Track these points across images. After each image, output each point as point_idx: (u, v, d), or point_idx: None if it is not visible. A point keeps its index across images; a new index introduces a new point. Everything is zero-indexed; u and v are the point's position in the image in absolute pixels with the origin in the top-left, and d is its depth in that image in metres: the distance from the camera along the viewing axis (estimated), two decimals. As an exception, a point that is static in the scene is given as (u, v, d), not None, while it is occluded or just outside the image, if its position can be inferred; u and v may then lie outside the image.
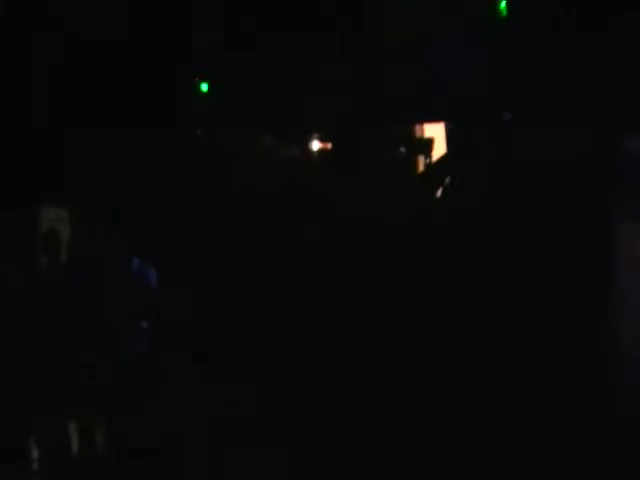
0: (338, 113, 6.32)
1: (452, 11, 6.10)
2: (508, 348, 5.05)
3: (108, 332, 5.57)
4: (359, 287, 5.93)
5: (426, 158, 6.42)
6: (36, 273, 5.85)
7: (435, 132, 6.46)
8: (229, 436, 5.22)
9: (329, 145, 6.51)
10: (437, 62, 6.13)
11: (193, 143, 6.35)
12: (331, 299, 5.89)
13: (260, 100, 6.35)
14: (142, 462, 5.09)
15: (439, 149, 6.43)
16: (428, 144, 6.42)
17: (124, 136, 6.21)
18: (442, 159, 6.42)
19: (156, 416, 5.21)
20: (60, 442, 5.67)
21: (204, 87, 6.37)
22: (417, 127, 6.57)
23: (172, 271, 5.92)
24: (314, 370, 5.42)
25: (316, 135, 6.52)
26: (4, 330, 5.56)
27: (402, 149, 6.47)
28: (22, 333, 5.58)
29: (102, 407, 5.55)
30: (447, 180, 6.48)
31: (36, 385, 5.56)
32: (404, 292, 5.84)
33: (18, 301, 5.64)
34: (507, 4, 5.79)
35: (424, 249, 6.02)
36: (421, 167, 6.48)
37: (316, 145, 6.54)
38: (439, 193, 6.44)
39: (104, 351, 5.54)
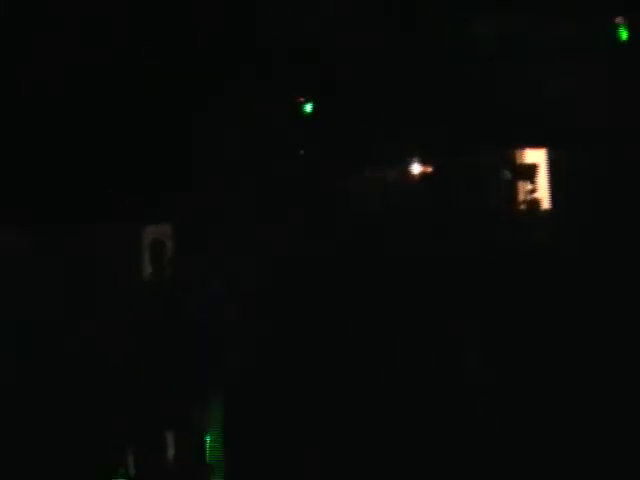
0: (438, 138, 6.24)
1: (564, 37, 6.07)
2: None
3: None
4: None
5: (531, 183, 6.35)
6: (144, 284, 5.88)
7: (539, 158, 6.41)
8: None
9: (429, 170, 6.41)
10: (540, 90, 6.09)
11: (298, 165, 6.23)
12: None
13: (361, 123, 6.26)
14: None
15: (542, 175, 6.38)
16: (533, 170, 6.35)
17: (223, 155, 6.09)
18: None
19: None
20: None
21: (308, 108, 6.26)
22: (521, 152, 6.49)
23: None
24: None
25: (417, 160, 6.43)
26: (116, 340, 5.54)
27: (507, 174, 6.38)
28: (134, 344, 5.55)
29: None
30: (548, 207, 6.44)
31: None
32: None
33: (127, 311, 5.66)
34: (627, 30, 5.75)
35: (531, 276, 5.96)
36: (526, 193, 6.40)
37: (417, 170, 6.44)
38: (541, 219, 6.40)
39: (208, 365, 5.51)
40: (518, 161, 6.42)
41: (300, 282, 5.83)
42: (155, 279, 5.91)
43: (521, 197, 6.39)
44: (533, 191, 6.36)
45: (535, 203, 6.32)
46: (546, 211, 6.35)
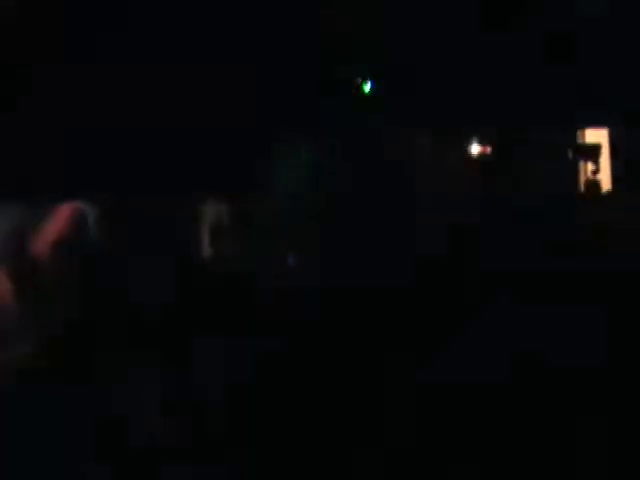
0: (501, 115, 6.10)
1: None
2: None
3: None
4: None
5: (594, 164, 6.21)
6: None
7: (602, 138, 6.27)
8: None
9: (489, 149, 6.27)
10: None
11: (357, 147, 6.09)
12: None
13: (421, 100, 6.10)
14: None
15: (605, 155, 6.25)
16: (596, 150, 6.21)
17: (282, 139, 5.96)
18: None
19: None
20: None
21: (367, 87, 6.10)
22: (584, 132, 6.34)
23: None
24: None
25: (476, 138, 6.28)
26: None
27: (570, 154, 6.25)
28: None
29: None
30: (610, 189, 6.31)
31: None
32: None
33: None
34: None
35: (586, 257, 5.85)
36: (588, 173, 6.27)
37: (476, 149, 6.30)
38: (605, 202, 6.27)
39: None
40: (580, 141, 6.30)
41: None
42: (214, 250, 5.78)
43: (582, 178, 6.27)
44: (595, 172, 6.24)
45: (597, 184, 6.20)
46: (608, 192, 6.22)
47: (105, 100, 5.35)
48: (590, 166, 6.23)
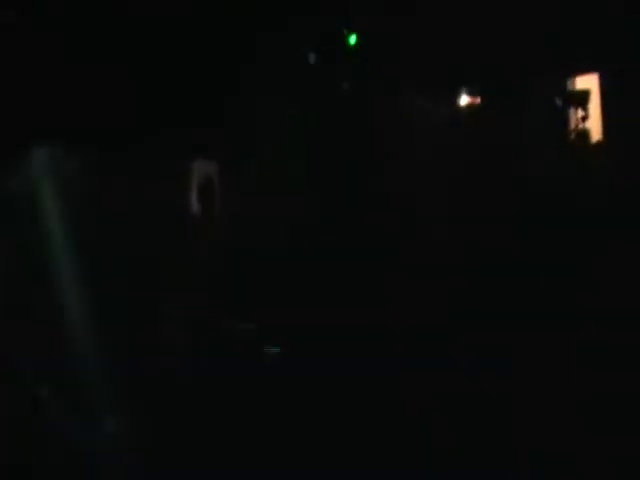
0: (487, 66, 6.02)
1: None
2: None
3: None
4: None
5: (583, 111, 6.14)
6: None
7: (591, 84, 6.19)
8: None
9: (478, 100, 6.20)
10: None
11: (340, 99, 6.01)
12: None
13: (407, 55, 6.02)
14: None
15: (595, 102, 6.18)
16: (584, 96, 6.14)
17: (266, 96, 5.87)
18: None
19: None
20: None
21: (352, 39, 6.01)
22: (575, 79, 6.27)
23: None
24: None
25: (465, 90, 6.20)
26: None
27: (558, 101, 6.17)
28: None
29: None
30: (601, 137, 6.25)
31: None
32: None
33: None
34: None
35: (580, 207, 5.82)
36: (577, 120, 6.20)
37: (464, 100, 6.23)
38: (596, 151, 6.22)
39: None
40: (569, 88, 6.22)
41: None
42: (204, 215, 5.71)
43: (571, 126, 6.21)
44: (584, 119, 6.17)
45: (586, 132, 6.14)
46: (598, 141, 6.16)
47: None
48: (580, 113, 6.16)
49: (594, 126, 6.17)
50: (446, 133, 6.08)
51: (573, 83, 6.27)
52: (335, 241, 5.69)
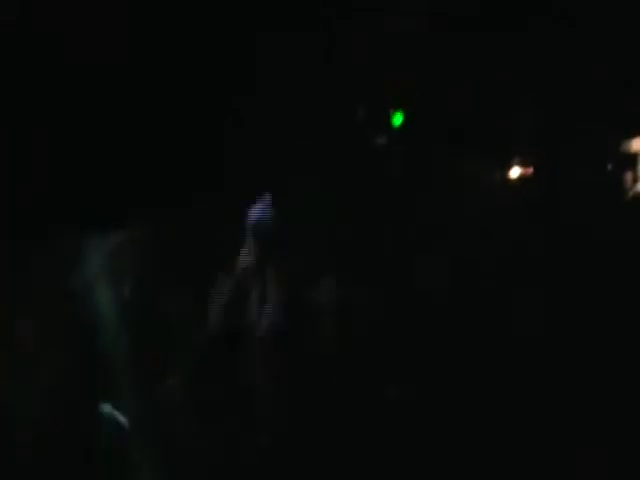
0: (538, 130, 6.08)
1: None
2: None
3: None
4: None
5: (634, 173, 6.15)
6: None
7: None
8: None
9: (530, 169, 6.25)
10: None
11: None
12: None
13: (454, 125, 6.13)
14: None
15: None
16: (635, 158, 6.15)
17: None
18: None
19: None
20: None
21: (398, 119, 6.16)
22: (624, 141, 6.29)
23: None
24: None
25: (517, 159, 6.26)
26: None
27: (609, 165, 6.20)
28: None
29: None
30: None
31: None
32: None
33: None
34: None
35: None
36: (629, 182, 6.21)
37: (517, 170, 6.29)
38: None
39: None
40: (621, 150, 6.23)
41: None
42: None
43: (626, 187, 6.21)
44: (636, 180, 6.17)
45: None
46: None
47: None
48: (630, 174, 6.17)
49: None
50: (499, 203, 6.14)
51: (629, 145, 6.27)
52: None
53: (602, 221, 5.91)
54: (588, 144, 6.16)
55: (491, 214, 5.97)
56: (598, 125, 6.08)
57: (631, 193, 6.19)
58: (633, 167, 6.17)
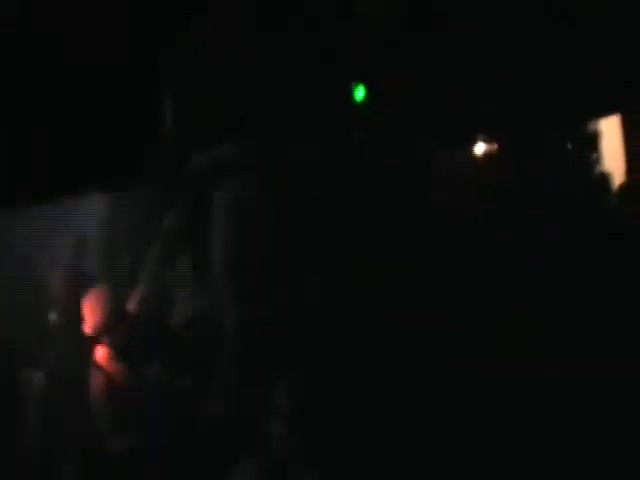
0: (504, 113, 5.91)
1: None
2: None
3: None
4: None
5: (595, 154, 6.04)
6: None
7: (604, 126, 6.08)
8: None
9: (496, 147, 6.07)
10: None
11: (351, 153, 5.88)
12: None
13: (419, 103, 5.90)
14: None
15: (609, 144, 6.07)
16: (596, 138, 6.03)
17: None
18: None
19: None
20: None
21: (360, 94, 5.88)
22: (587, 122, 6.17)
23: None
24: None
25: (482, 137, 6.07)
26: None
27: (569, 145, 6.07)
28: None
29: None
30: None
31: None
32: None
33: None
34: None
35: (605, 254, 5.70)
36: (591, 164, 6.10)
37: (481, 148, 6.11)
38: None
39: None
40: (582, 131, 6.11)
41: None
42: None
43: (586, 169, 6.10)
44: (597, 161, 6.05)
45: (604, 176, 6.02)
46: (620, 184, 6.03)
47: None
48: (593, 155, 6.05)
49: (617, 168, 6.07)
50: (463, 181, 5.98)
51: (597, 125, 6.14)
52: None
53: (568, 202, 5.82)
54: (551, 124, 6.02)
55: (455, 195, 5.82)
56: (560, 106, 5.93)
57: (593, 174, 6.10)
58: (595, 148, 6.07)
